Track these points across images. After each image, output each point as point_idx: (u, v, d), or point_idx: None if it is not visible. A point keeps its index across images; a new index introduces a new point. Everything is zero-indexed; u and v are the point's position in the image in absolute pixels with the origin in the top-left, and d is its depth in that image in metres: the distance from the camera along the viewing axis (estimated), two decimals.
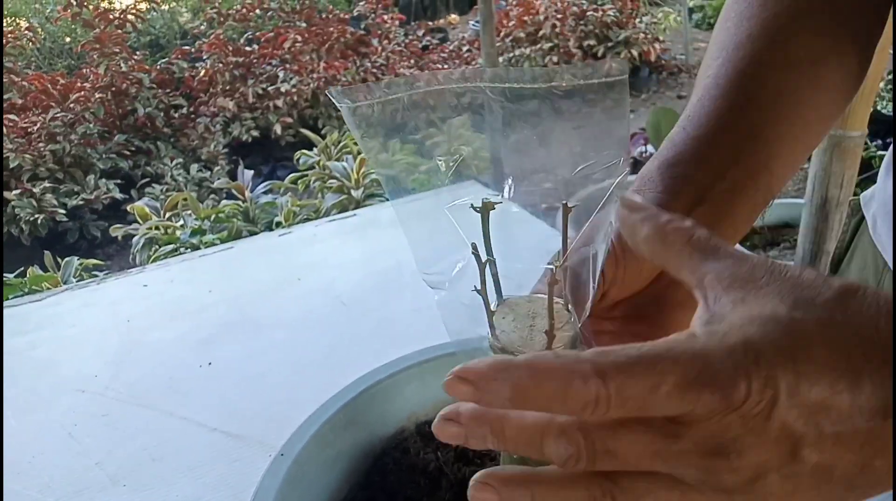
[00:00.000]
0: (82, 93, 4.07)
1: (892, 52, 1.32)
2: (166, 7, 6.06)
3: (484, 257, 0.35)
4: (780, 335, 0.26)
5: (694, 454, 0.26)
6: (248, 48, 4.60)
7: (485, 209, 0.35)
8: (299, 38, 4.60)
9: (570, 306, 0.36)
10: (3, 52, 4.51)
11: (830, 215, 1.57)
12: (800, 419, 0.26)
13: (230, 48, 4.51)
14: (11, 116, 3.86)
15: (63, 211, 3.51)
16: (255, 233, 1.87)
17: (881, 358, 0.26)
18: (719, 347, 0.26)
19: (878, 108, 2.95)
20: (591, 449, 0.27)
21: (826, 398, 0.26)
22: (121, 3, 5.34)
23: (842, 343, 0.26)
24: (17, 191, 3.50)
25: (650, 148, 3.33)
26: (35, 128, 3.76)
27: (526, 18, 5.01)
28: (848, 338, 0.26)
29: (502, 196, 0.36)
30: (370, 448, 0.57)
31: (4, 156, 3.56)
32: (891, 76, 3.07)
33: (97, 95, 4.09)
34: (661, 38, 5.24)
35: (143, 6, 5.45)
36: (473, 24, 5.62)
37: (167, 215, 2.07)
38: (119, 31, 4.47)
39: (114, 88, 4.15)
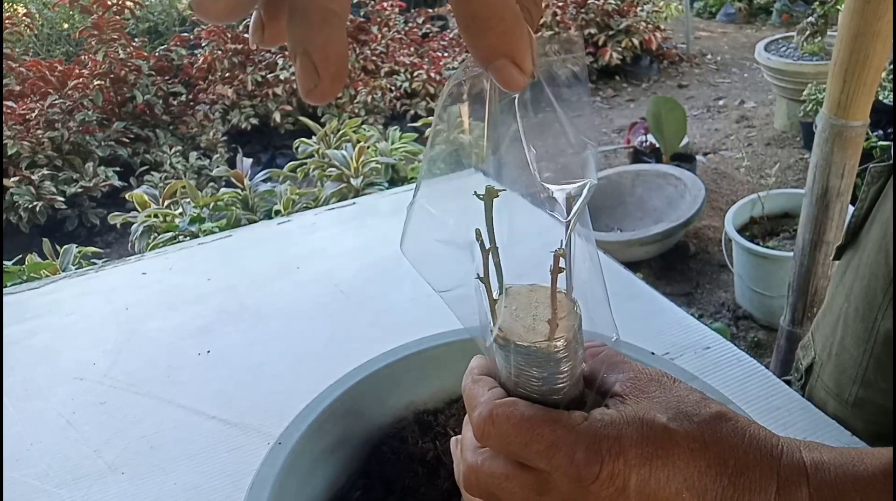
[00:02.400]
0: (80, 80, 4.04)
1: (893, 42, 1.31)
2: None
3: (487, 246, 0.35)
4: (648, 440, 0.33)
5: None
6: (246, 35, 4.57)
7: (488, 197, 0.34)
8: None
9: (572, 295, 0.36)
10: (2, 40, 4.48)
11: (831, 206, 1.56)
12: None
13: (229, 35, 4.48)
14: (9, 103, 3.83)
15: (62, 199, 3.49)
16: (254, 221, 1.86)
17: (729, 481, 0.32)
18: (595, 432, 0.33)
19: (880, 97, 2.94)
20: (483, 490, 0.36)
21: (672, 499, 0.32)
22: None
23: (700, 460, 0.33)
24: (16, 178, 3.48)
25: (650, 137, 3.31)
26: (33, 115, 3.74)
27: None
28: (707, 458, 0.33)
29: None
30: (368, 437, 0.57)
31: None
32: (892, 66, 3.06)
33: (95, 82, 4.06)
34: (662, 26, 5.20)
35: None
36: None
37: (166, 202, 2.05)
38: (117, 17, 4.43)
39: (112, 75, 4.13)
